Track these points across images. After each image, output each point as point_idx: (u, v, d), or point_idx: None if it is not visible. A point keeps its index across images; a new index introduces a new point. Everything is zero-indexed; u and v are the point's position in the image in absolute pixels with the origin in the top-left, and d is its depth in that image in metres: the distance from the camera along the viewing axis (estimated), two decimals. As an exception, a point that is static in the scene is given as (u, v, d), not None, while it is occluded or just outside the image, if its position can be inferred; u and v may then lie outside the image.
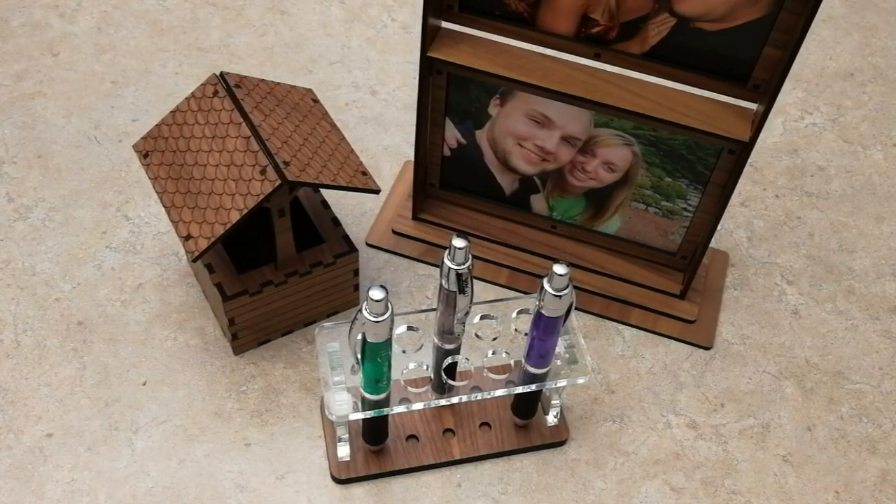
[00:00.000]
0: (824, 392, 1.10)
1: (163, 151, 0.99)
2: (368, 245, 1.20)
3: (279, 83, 1.04)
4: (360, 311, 0.80)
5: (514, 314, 0.95)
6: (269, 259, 1.03)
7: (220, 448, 1.01)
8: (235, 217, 0.92)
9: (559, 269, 0.81)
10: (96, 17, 1.43)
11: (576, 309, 1.08)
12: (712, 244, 1.21)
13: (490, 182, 1.16)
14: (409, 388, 0.93)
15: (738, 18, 0.89)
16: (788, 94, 1.41)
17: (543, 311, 0.86)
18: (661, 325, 1.14)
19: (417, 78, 1.04)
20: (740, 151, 0.98)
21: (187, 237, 0.93)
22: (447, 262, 0.83)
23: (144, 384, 1.05)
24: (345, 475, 0.99)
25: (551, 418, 1.03)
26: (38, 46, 1.38)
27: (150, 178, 0.99)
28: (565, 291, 0.83)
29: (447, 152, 1.14)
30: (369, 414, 0.91)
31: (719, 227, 1.22)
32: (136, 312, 1.11)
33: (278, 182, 0.91)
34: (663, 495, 1.01)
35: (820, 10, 1.33)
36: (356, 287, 1.11)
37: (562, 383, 0.95)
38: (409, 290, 1.16)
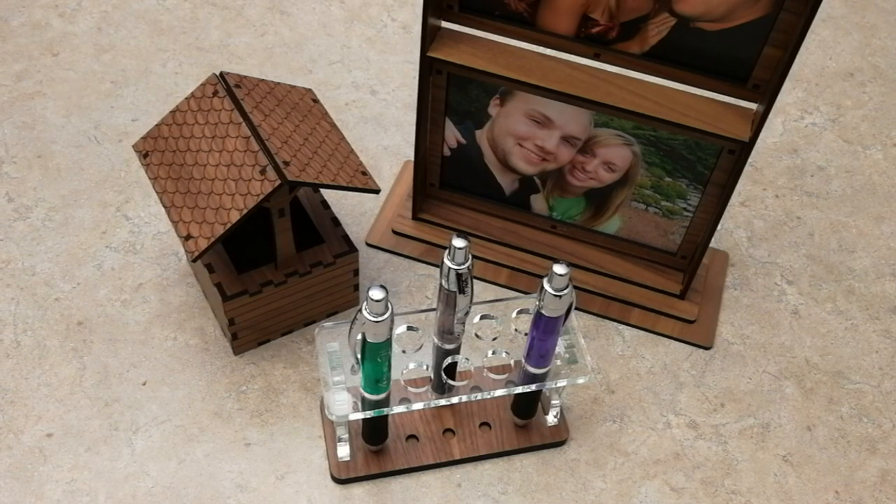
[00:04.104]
0: (824, 392, 1.10)
1: (163, 151, 0.99)
2: (368, 245, 1.20)
3: (279, 83, 1.04)
4: (360, 311, 0.80)
5: (514, 314, 0.95)
6: (269, 259, 1.03)
7: (220, 448, 1.01)
8: (235, 217, 0.92)
9: (559, 269, 0.81)
10: (96, 17, 1.43)
11: (576, 309, 1.08)
12: (712, 244, 1.21)
13: (490, 182, 1.16)
14: (409, 388, 0.93)
15: (738, 18, 0.89)
16: (788, 94, 1.41)
17: (543, 311, 0.86)
18: (661, 325, 1.14)
19: (417, 78, 1.04)
20: (740, 151, 0.98)
21: (187, 237, 0.93)
22: (447, 262, 0.83)
23: (144, 384, 1.05)
24: (345, 475, 0.99)
25: (551, 418, 1.03)
26: (38, 46, 1.38)
27: (149, 178, 0.99)
28: (565, 291, 0.83)
29: (447, 152, 1.14)
30: (369, 414, 0.91)
31: (719, 227, 1.22)
32: (136, 312, 1.11)
33: (278, 182, 0.91)
34: (663, 495, 1.01)
35: (820, 10, 1.33)
36: (356, 287, 1.11)
37: (562, 383, 0.95)
38: (409, 290, 1.16)
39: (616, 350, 1.12)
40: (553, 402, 1.01)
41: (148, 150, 1.00)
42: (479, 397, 0.95)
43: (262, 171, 0.92)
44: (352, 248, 1.05)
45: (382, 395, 0.90)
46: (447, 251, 0.82)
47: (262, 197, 0.91)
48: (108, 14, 1.44)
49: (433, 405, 0.94)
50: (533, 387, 0.94)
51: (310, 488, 0.99)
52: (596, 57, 0.98)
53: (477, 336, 0.96)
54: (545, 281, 0.83)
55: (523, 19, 0.98)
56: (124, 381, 1.05)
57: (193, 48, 1.40)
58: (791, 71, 1.22)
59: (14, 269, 1.14)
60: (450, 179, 1.18)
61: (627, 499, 1.00)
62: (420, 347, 0.94)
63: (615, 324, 1.14)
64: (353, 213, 1.23)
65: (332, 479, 0.99)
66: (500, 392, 0.94)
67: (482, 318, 0.96)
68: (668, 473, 1.02)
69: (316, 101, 1.06)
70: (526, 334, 0.91)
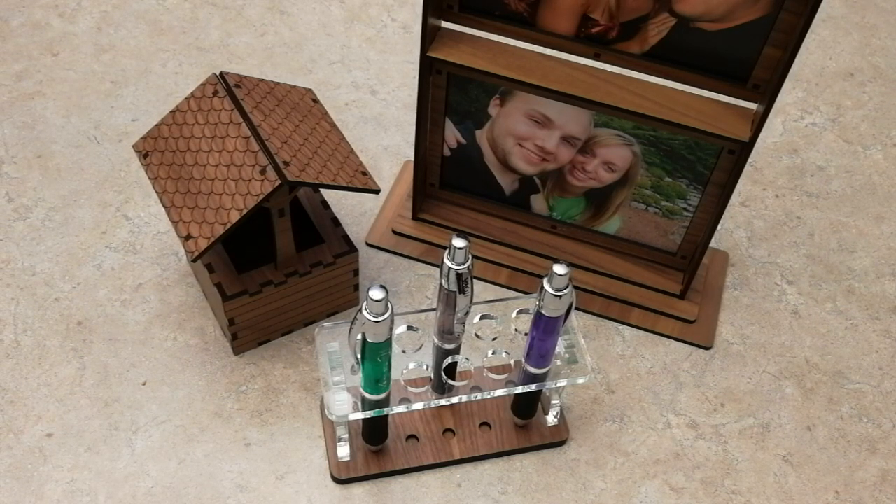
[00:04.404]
0: (824, 392, 1.10)
1: (163, 151, 0.99)
2: (368, 245, 1.20)
3: (279, 83, 1.04)
4: (360, 311, 0.80)
5: (514, 314, 0.95)
6: (269, 259, 1.03)
7: (220, 448, 1.01)
8: (235, 217, 0.92)
9: (559, 269, 0.81)
10: (96, 17, 1.43)
11: (576, 309, 1.08)
12: (712, 244, 1.21)
13: (490, 182, 1.16)
14: (409, 388, 0.93)
15: (738, 18, 0.89)
16: (788, 94, 1.41)
17: (543, 311, 0.86)
18: (661, 325, 1.14)
19: (417, 78, 1.04)
20: (740, 151, 0.98)
21: (187, 237, 0.93)
22: (447, 262, 0.83)
23: (144, 384, 1.05)
24: (345, 475, 0.99)
25: (551, 418, 1.03)
26: (38, 46, 1.38)
27: (149, 178, 0.99)
28: (565, 291, 0.83)
29: (447, 152, 1.14)
30: (369, 414, 0.91)
31: (719, 227, 1.22)
32: (136, 312, 1.11)
33: (278, 182, 0.91)
34: (663, 495, 1.01)
35: (820, 10, 1.33)
36: (356, 287, 1.11)
37: (562, 383, 0.95)
38: (409, 290, 1.16)
39: (616, 350, 1.12)
40: (553, 402, 1.01)
41: (148, 150, 1.00)
42: (479, 397, 0.95)
43: (262, 171, 0.92)
44: (352, 248, 1.05)
45: (382, 395, 0.90)
46: (447, 251, 0.82)
47: (262, 197, 0.91)
48: (108, 14, 1.44)
49: (433, 405, 0.94)
50: (533, 387, 0.94)
51: (310, 488, 0.99)
52: (596, 57, 0.98)
53: (477, 336, 0.96)
54: (545, 281, 0.83)
55: (523, 19, 0.98)
56: (124, 381, 1.05)
57: (193, 48, 1.40)
58: (791, 71, 1.22)
59: (14, 269, 1.14)
60: (450, 179, 1.18)
61: (627, 499, 1.00)
62: (420, 347, 0.94)
63: (615, 324, 1.14)
64: (353, 213, 1.23)
65: (332, 479, 0.99)
66: (500, 392, 0.94)
67: (482, 318, 0.96)
68: (668, 473, 1.02)
69: (316, 101, 1.06)
70: (526, 334, 0.91)
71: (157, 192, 0.98)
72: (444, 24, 1.02)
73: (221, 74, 1.00)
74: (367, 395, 0.89)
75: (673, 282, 1.15)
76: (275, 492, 0.98)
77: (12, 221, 1.18)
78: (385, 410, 0.92)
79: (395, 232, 1.20)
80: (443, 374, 0.93)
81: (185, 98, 1.00)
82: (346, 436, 0.97)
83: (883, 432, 1.07)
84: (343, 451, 0.98)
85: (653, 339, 1.13)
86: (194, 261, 0.94)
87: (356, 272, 1.09)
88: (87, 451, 1.00)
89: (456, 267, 0.82)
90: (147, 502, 0.97)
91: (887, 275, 1.21)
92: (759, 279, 1.20)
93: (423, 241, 1.19)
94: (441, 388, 0.94)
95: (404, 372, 0.94)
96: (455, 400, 0.95)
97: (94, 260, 1.15)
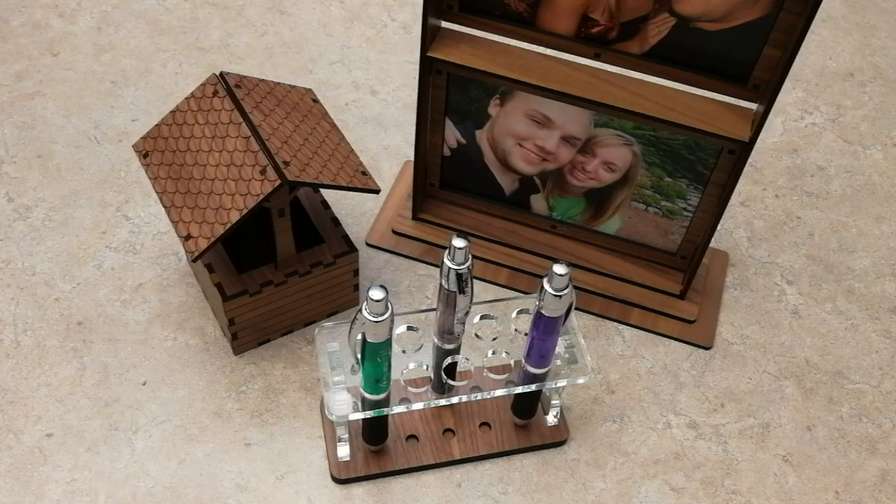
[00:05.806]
0: (824, 392, 1.10)
1: (163, 151, 0.99)
2: (368, 245, 1.20)
3: (279, 83, 1.04)
4: (360, 311, 0.80)
5: (514, 314, 0.95)
6: (269, 259, 1.03)
7: (220, 448, 1.01)
8: (235, 217, 0.92)
9: (559, 269, 0.81)
10: (96, 17, 1.43)
11: (576, 309, 1.08)
12: (712, 244, 1.21)
13: (490, 182, 1.16)
14: (409, 388, 0.93)
15: (738, 18, 0.89)
16: (788, 94, 1.41)
17: (543, 311, 0.86)
18: (661, 325, 1.14)
19: (417, 78, 1.04)
20: (740, 151, 0.98)
21: (187, 237, 0.93)
22: (447, 262, 0.83)
23: (144, 384, 1.05)
24: (345, 475, 0.99)
25: (551, 418, 1.03)
26: (38, 46, 1.38)
27: (149, 178, 0.99)
28: (565, 291, 0.83)
29: (447, 152, 1.14)
30: (369, 414, 0.91)
31: (719, 227, 1.22)
32: (136, 312, 1.11)
33: (278, 182, 0.91)
34: (663, 495, 1.01)
35: (820, 10, 1.33)
36: (356, 287, 1.11)
37: (562, 383, 0.95)
38: (409, 290, 1.16)
39: (616, 350, 1.12)
40: (553, 402, 1.01)
41: (148, 150, 1.00)
42: (479, 397, 0.95)
43: (262, 171, 0.92)
44: (352, 248, 1.05)
45: (382, 395, 0.90)
46: (447, 251, 0.82)
47: (262, 197, 0.91)
48: (108, 14, 1.44)
49: (433, 405, 0.94)
50: (533, 387, 0.94)
51: (310, 488, 0.99)
52: (596, 57, 0.98)
53: (477, 336, 0.96)
54: (545, 281, 0.83)
55: (523, 19, 0.98)
56: (124, 381, 1.05)
57: (193, 48, 1.40)
58: (791, 71, 1.22)
59: (14, 269, 1.14)
60: (450, 179, 1.18)
61: (627, 499, 1.00)
62: (420, 347, 0.94)
63: (615, 324, 1.14)
64: (353, 213, 1.23)
65: (332, 479, 0.99)
66: (500, 392, 0.94)
67: (482, 318, 0.96)
68: (668, 473, 1.02)
69: (316, 101, 1.06)
70: (526, 334, 0.91)
71: (157, 192, 0.98)
72: (444, 24, 1.02)
73: (221, 74, 1.00)
74: (367, 395, 0.89)
75: (673, 282, 1.15)
76: (275, 492, 0.98)
77: (12, 221, 1.18)
78: (385, 410, 0.92)
79: (395, 232, 1.20)
80: (443, 374, 0.93)
81: (185, 98, 1.00)
82: (346, 436, 0.97)
83: (883, 432, 1.07)
84: (343, 451, 0.98)
85: (653, 339, 1.13)
86: (194, 261, 0.94)
87: (356, 272, 1.09)
88: (87, 451, 1.00)
89: (456, 267, 0.82)
90: (147, 502, 0.97)
91: (887, 275, 1.21)
92: (759, 279, 1.20)
93: (423, 241, 1.19)
94: (441, 388, 0.94)
95: (404, 372, 0.94)
96: (455, 400, 0.95)
97: (94, 260, 1.15)
